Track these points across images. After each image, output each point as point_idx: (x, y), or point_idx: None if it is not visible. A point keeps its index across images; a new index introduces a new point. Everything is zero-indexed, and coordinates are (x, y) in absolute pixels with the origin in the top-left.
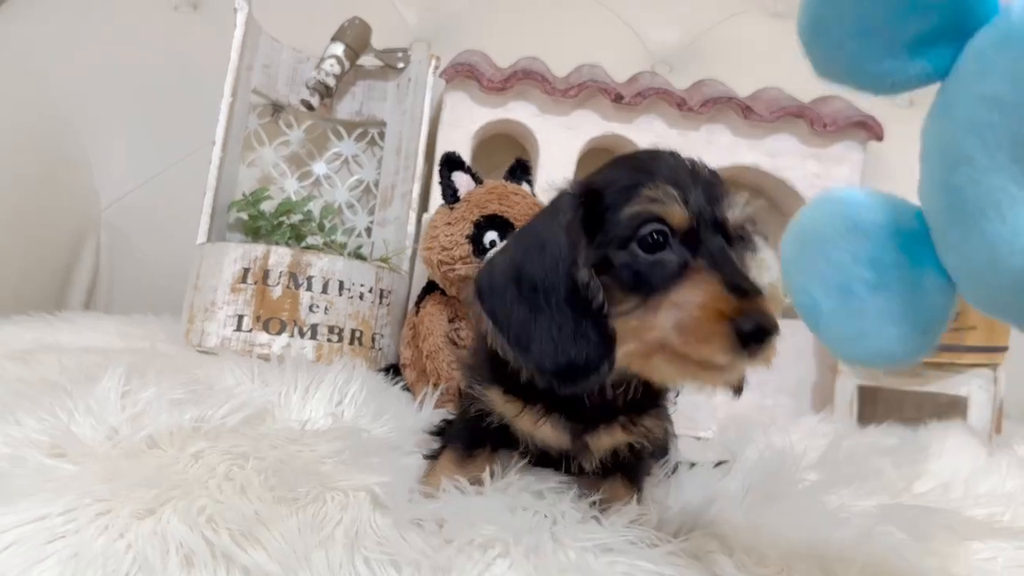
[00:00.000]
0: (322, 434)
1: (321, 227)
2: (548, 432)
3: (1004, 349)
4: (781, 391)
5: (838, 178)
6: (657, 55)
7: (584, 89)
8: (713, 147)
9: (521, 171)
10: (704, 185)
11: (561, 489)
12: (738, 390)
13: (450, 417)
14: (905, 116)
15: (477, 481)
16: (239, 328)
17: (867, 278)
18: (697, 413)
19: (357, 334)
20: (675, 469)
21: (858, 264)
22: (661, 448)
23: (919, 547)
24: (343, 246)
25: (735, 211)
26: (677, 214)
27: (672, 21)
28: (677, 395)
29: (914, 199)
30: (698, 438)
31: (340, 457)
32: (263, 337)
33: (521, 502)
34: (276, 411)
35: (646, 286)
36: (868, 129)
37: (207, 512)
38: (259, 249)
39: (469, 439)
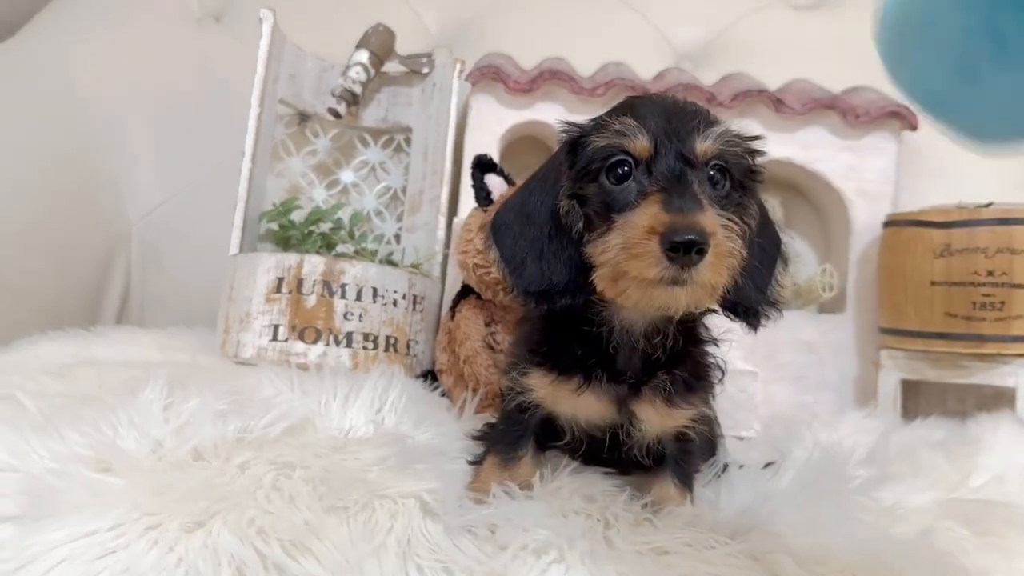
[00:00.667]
0: (366, 442)
1: (351, 235)
2: (591, 403)
3: None
4: (823, 387)
5: (873, 169)
6: (681, 52)
7: (612, 87)
8: None
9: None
10: (678, 118)
11: (612, 492)
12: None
13: (492, 420)
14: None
15: (527, 486)
16: (275, 338)
17: (989, 50)
18: (738, 412)
19: (392, 341)
20: (724, 469)
21: (974, 36)
22: (708, 446)
23: (981, 542)
24: (374, 253)
25: (708, 141)
26: (639, 144)
27: (695, 18)
28: (722, 371)
29: (944, 194)
30: (741, 438)
31: (386, 464)
32: (299, 346)
33: (572, 506)
34: (317, 420)
35: (613, 213)
36: (902, 119)
37: (257, 523)
38: (292, 258)
39: (513, 440)
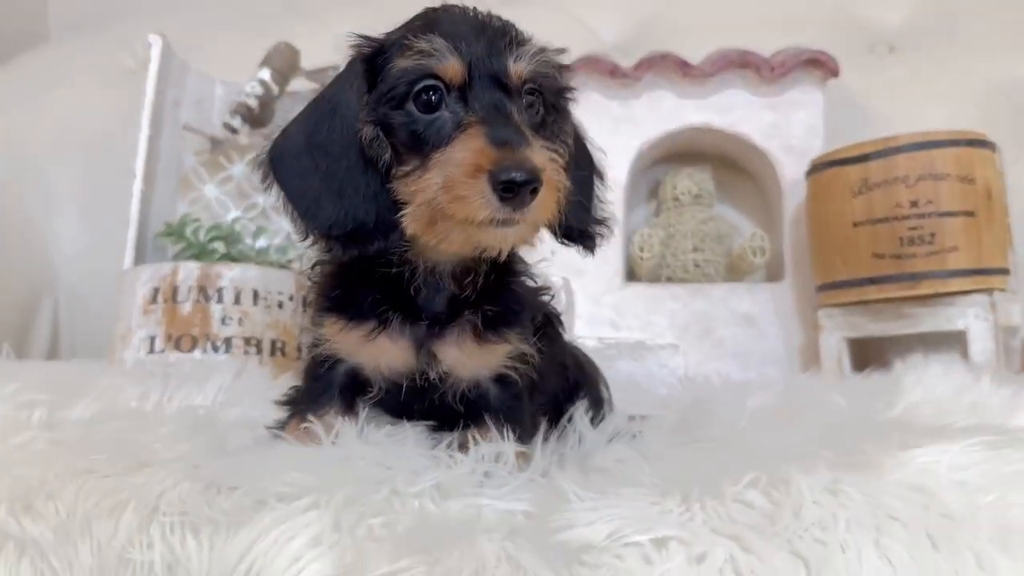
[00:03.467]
0: (171, 418)
1: (260, 250)
2: (387, 348)
3: (1003, 271)
4: (766, 361)
5: (798, 124)
6: (609, 44)
7: None
8: (657, 112)
9: None
10: (488, 37)
11: (405, 437)
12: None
13: (299, 384)
14: (884, 65)
15: (311, 437)
16: (152, 350)
17: None
18: (659, 387)
19: (279, 344)
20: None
21: None
22: (594, 404)
23: (842, 458)
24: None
25: (521, 63)
26: (450, 68)
27: (618, 8)
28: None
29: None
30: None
31: (177, 435)
32: (175, 356)
33: (354, 451)
34: (148, 408)
35: (425, 146)
36: (821, 65)
37: None
38: (167, 267)
39: (315, 399)
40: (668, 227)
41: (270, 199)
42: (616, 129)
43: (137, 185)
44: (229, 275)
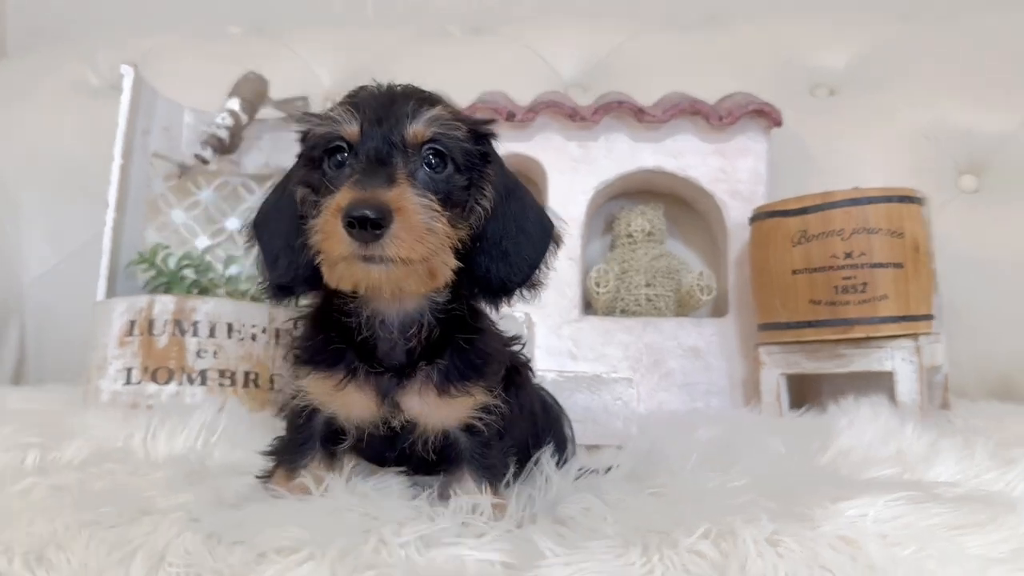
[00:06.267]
0: (163, 463)
1: (229, 279)
2: (355, 398)
3: (927, 318)
4: (712, 392)
5: (744, 170)
6: (569, 80)
7: (474, 111)
8: (613, 154)
9: None
10: (393, 104)
11: (386, 489)
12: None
13: (283, 434)
14: (824, 107)
15: (302, 489)
16: (128, 381)
17: None
18: (614, 421)
19: (252, 376)
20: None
21: None
22: (558, 439)
23: (782, 509)
24: (245, 293)
25: (418, 125)
26: (349, 130)
27: (579, 45)
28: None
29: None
30: (620, 448)
31: (170, 482)
32: (151, 388)
33: (344, 504)
34: (139, 451)
35: (330, 196)
36: (766, 115)
37: (4, 540)
38: (143, 300)
39: (297, 448)
40: (622, 262)
41: (233, 223)
42: (575, 169)
43: (110, 214)
44: (204, 309)
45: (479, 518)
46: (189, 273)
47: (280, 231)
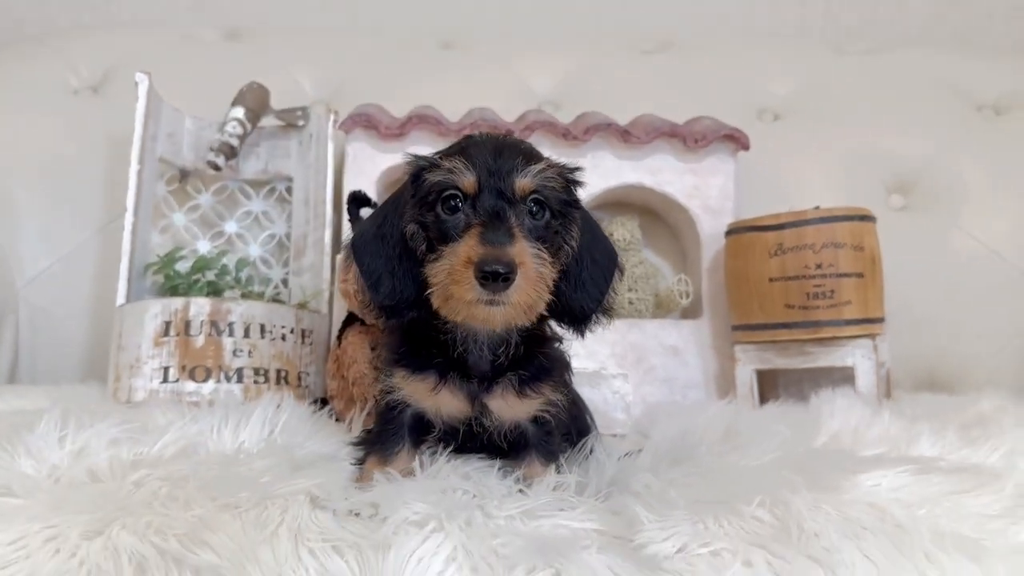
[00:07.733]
0: (256, 455)
1: (238, 280)
2: (448, 400)
3: (880, 320)
4: (689, 386)
5: (714, 187)
6: (543, 97)
7: (477, 128)
8: (599, 170)
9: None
10: (501, 158)
11: (485, 470)
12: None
13: (371, 427)
14: (770, 130)
15: (408, 472)
16: (166, 380)
17: None
18: (613, 412)
19: (283, 374)
20: (591, 453)
21: None
22: (582, 430)
23: (811, 482)
24: (260, 295)
25: (526, 179)
26: (466, 182)
27: (551, 66)
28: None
29: (781, 205)
30: (614, 435)
31: (276, 471)
32: (190, 385)
33: (451, 484)
34: (210, 443)
35: (446, 239)
36: (735, 140)
37: (154, 525)
38: (178, 302)
39: (389, 438)
40: None
41: (232, 227)
42: None
43: (128, 218)
44: (238, 310)
45: (565, 493)
46: (203, 277)
47: (381, 255)
